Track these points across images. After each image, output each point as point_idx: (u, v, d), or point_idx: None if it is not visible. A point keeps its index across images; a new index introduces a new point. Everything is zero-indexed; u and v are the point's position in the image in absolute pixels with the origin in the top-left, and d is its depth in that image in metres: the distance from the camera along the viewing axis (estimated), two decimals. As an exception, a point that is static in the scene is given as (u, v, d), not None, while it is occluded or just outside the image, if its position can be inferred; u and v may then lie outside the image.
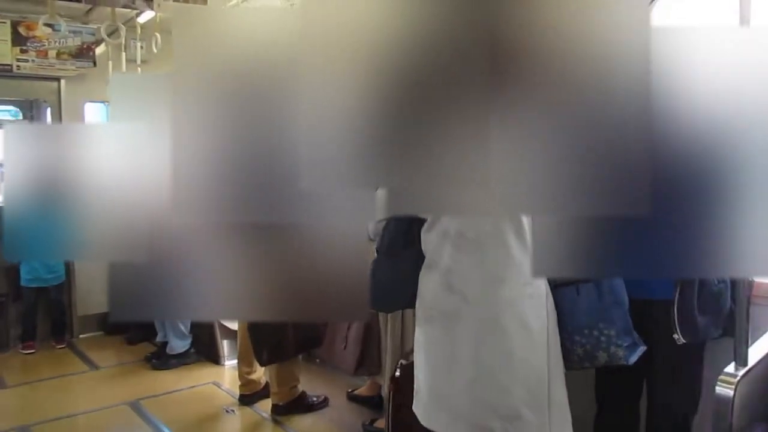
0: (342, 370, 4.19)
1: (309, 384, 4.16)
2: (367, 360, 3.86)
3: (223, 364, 4.95)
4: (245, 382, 4.23)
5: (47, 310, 5.50)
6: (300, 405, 4.03)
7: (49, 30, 5.04)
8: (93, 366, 5.13)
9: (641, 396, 2.59)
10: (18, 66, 5.12)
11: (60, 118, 5.66)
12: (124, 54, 4.63)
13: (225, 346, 4.94)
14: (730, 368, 1.92)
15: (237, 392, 4.28)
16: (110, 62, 4.80)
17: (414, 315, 3.34)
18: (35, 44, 5.17)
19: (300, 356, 4.09)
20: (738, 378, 1.87)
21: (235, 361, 4.43)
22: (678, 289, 2.27)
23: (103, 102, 5.68)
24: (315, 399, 4.11)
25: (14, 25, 5.04)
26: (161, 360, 4.99)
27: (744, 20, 1.66)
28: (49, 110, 5.75)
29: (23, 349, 5.32)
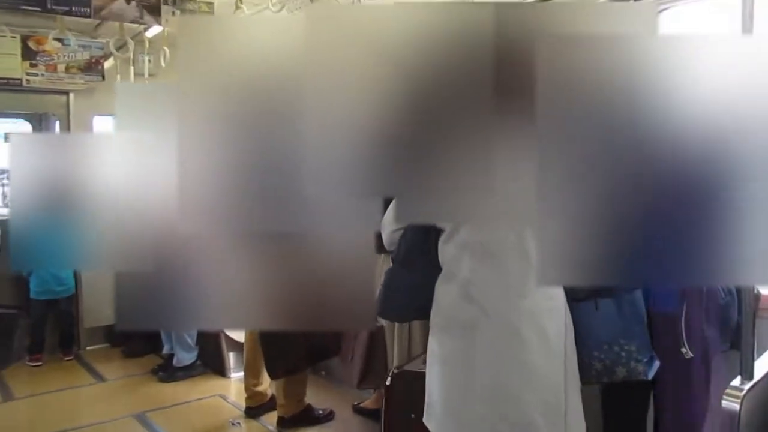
0: (347, 383, 4.18)
1: (315, 397, 4.15)
2: (373, 373, 3.85)
3: (229, 377, 4.94)
4: (251, 394, 4.22)
5: (56, 322, 5.51)
6: (306, 418, 4.01)
7: (58, 44, 5.10)
8: (100, 378, 5.13)
9: (648, 409, 2.57)
10: (28, 80, 5.16)
11: (69, 132, 5.69)
12: (132, 68, 4.68)
13: (231, 358, 4.94)
14: (737, 382, 1.91)
15: (243, 405, 4.27)
16: (119, 76, 4.86)
17: (421, 327, 3.36)
18: (45, 58, 5.22)
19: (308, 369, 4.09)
20: (744, 391, 1.86)
21: (241, 374, 4.42)
22: (685, 303, 2.27)
23: (111, 115, 5.71)
24: (321, 412, 4.10)
25: (24, 40, 5.08)
26: (168, 372, 4.98)
27: (746, 29, 1.66)
28: (57, 123, 5.80)
29: (30, 361, 5.32)
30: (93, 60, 5.41)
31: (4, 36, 4.76)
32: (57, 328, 5.54)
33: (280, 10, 3.95)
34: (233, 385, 4.81)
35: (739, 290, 2.15)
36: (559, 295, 2.08)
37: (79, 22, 4.47)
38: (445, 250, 2.16)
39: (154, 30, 4.46)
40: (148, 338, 5.46)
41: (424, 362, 2.99)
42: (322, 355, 4.02)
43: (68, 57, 5.30)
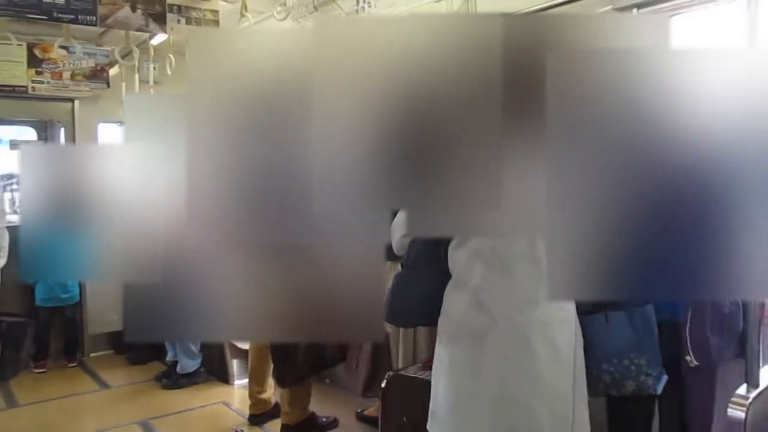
0: (352, 391, 4.17)
1: (318, 404, 4.14)
2: (377, 380, 3.84)
3: (233, 384, 4.94)
4: (255, 401, 4.22)
5: (61, 329, 5.53)
6: (310, 426, 4.00)
7: (64, 52, 5.13)
8: (104, 385, 5.14)
9: (653, 418, 2.56)
10: (33, 87, 5.19)
11: (74, 139, 5.73)
12: (137, 75, 4.70)
13: (235, 365, 4.93)
14: (742, 390, 1.91)
15: (247, 412, 4.27)
16: (123, 83, 4.87)
17: (426, 333, 3.36)
18: (50, 66, 5.25)
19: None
20: (750, 400, 1.86)
21: (245, 381, 4.42)
22: (690, 312, 2.26)
23: (116, 122, 5.74)
24: (324, 420, 4.09)
25: (30, 48, 5.11)
26: (171, 379, 4.99)
27: (752, 43, 1.67)
28: (63, 130, 5.83)
29: (35, 368, 5.35)
30: (98, 68, 5.43)
31: (11, 44, 4.78)
32: (61, 335, 5.56)
33: (285, 18, 3.97)
34: (237, 392, 4.81)
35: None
36: (570, 306, 2.08)
37: (85, 30, 4.49)
38: (456, 257, 2.16)
39: (160, 38, 4.49)
40: (152, 345, 5.45)
41: (422, 368, 3.01)
42: (328, 364, 4.01)
43: (73, 65, 5.32)
